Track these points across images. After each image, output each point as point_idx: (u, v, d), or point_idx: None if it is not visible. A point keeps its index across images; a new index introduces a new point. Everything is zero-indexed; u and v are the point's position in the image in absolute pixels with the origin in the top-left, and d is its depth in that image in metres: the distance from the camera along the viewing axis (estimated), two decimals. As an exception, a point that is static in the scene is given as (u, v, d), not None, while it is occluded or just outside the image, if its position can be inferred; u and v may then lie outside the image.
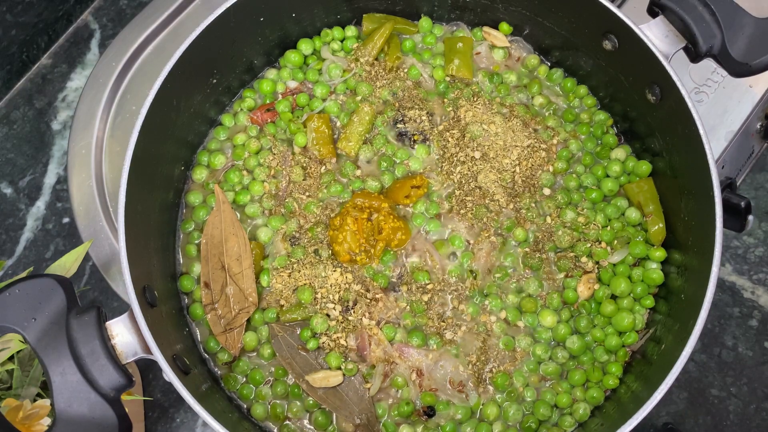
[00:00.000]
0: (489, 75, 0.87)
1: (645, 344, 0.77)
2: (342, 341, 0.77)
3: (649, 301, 0.78)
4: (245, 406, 0.77)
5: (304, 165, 0.83)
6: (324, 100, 0.86)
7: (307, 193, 0.82)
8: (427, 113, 0.85)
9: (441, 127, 0.85)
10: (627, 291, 0.77)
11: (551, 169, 0.83)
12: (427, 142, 0.84)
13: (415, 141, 0.84)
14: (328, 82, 0.87)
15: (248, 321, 0.78)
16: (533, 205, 0.82)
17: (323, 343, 0.77)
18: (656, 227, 0.78)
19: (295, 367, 0.76)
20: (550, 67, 0.89)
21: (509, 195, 0.81)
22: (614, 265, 0.80)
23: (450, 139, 0.84)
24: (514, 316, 0.78)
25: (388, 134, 0.85)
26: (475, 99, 0.85)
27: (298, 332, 0.77)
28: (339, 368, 0.76)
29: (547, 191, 0.82)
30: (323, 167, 0.84)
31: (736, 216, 0.83)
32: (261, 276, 0.79)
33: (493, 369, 0.77)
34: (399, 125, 0.85)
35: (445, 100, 0.86)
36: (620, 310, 0.77)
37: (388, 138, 0.85)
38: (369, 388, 0.76)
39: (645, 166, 0.81)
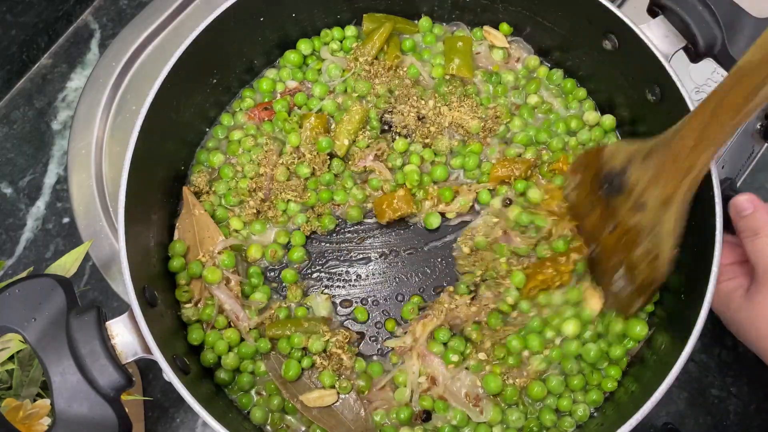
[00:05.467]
0: (488, 75, 0.87)
1: (644, 345, 0.77)
2: (343, 355, 0.75)
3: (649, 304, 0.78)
4: (245, 411, 0.77)
5: (294, 164, 0.82)
6: (322, 99, 0.86)
7: (294, 193, 0.82)
8: (417, 111, 0.84)
9: (427, 125, 0.84)
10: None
11: (551, 169, 0.83)
12: (408, 138, 0.84)
13: (398, 134, 0.84)
14: (328, 82, 0.87)
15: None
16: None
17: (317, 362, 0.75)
18: (656, 227, 0.78)
19: (289, 387, 0.74)
20: (550, 68, 0.89)
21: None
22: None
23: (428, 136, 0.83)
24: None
25: (378, 128, 0.84)
26: (465, 99, 0.84)
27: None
28: (333, 387, 0.74)
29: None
30: (314, 167, 0.83)
31: (736, 216, 0.82)
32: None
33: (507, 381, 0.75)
34: (386, 115, 0.84)
35: (436, 96, 0.85)
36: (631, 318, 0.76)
37: (377, 132, 0.84)
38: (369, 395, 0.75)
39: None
